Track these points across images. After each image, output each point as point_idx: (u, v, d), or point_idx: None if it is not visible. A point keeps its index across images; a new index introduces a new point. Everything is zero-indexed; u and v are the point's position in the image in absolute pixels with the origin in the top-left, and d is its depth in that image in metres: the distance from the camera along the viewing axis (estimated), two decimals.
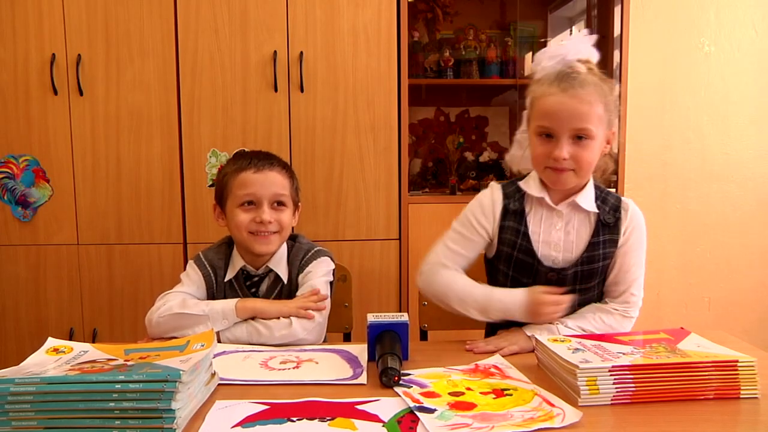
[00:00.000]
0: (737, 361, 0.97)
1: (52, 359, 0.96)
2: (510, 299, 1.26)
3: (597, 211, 1.30)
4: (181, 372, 0.84)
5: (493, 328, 1.36)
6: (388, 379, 1.01)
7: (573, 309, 1.31)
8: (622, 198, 1.34)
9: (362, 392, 1.00)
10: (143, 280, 2.21)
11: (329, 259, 1.46)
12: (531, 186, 1.32)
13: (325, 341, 1.35)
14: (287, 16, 2.17)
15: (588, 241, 1.29)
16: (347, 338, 1.62)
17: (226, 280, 1.43)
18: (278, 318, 1.28)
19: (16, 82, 2.14)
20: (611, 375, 0.95)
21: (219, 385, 1.03)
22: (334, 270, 1.47)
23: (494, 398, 0.96)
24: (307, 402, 0.95)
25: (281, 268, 1.43)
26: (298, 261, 1.44)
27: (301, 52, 2.17)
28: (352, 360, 1.16)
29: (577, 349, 1.03)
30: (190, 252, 2.21)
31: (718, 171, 2.83)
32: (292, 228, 1.47)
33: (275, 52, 2.16)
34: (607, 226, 1.30)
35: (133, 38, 2.15)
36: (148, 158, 2.19)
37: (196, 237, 2.21)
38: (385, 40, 2.20)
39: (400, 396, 0.97)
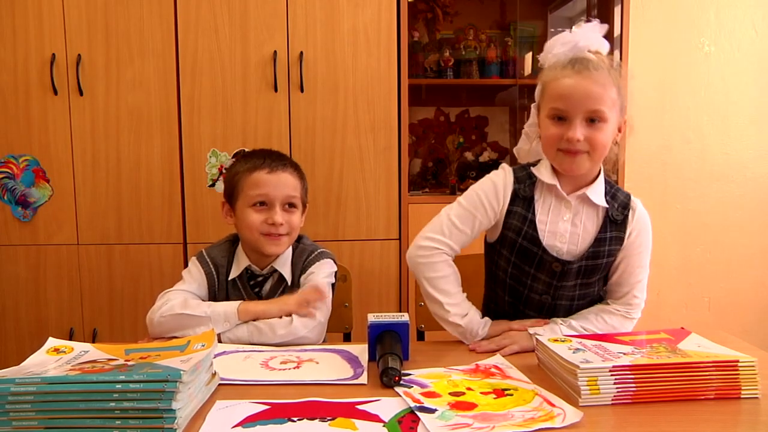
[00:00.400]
0: (738, 361, 0.97)
1: (52, 359, 0.96)
2: (481, 332, 1.28)
3: (606, 206, 1.29)
4: (181, 372, 0.84)
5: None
6: (388, 379, 1.01)
7: (572, 305, 1.31)
8: (632, 196, 1.32)
9: (363, 392, 1.00)
10: (143, 280, 2.21)
11: (332, 261, 1.47)
12: (543, 172, 1.29)
13: (325, 341, 1.35)
14: (287, 16, 2.17)
15: (595, 236, 1.28)
16: (347, 338, 1.62)
17: (230, 278, 1.43)
18: (280, 317, 1.28)
19: (16, 82, 2.14)
20: (612, 375, 0.94)
21: (219, 385, 1.03)
22: (336, 272, 1.47)
23: (495, 398, 0.96)
24: (307, 402, 0.95)
25: (286, 269, 1.43)
26: (302, 262, 1.44)
27: (301, 52, 2.17)
28: (352, 360, 1.16)
29: (577, 349, 1.03)
30: (190, 252, 2.20)
31: (718, 171, 2.84)
32: None
33: (275, 52, 2.16)
34: (615, 222, 1.29)
35: (133, 38, 2.15)
36: (148, 158, 2.19)
37: (196, 237, 2.21)
38: (385, 40, 2.20)
39: (400, 396, 0.97)
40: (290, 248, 1.46)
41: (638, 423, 0.89)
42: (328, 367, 1.13)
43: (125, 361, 0.94)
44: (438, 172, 2.64)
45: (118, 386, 0.82)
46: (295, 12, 2.17)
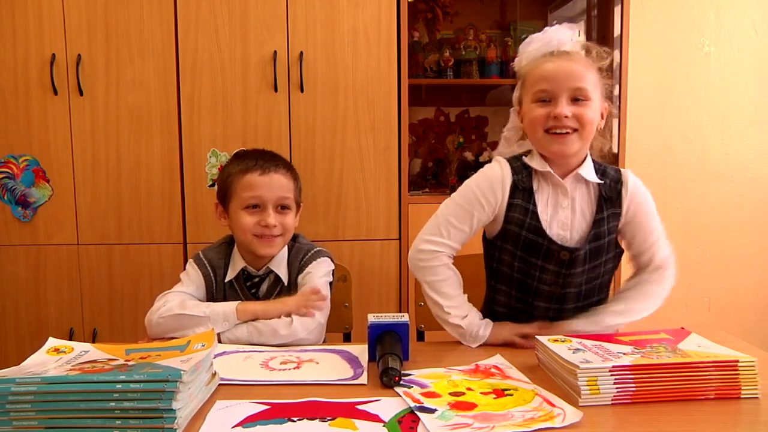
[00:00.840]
0: (738, 361, 0.97)
1: (52, 359, 0.96)
2: (482, 332, 1.28)
3: (599, 181, 1.29)
4: (181, 372, 0.84)
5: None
6: (388, 380, 1.01)
7: (581, 291, 1.31)
8: (622, 170, 1.33)
9: (363, 392, 1.00)
10: (143, 280, 2.21)
11: (329, 259, 1.46)
12: (535, 161, 1.29)
13: (325, 341, 1.35)
14: (287, 16, 2.17)
15: (593, 219, 1.29)
16: (347, 338, 1.62)
17: (226, 280, 1.43)
18: (279, 317, 1.28)
19: (16, 82, 2.14)
20: (612, 375, 0.95)
21: (220, 385, 1.03)
22: (333, 270, 1.47)
23: (495, 398, 0.96)
24: (307, 402, 0.95)
25: (282, 269, 1.43)
26: (298, 261, 1.43)
27: (301, 52, 2.17)
28: (352, 360, 1.16)
29: (577, 349, 1.03)
30: (190, 252, 2.20)
31: (718, 171, 2.84)
32: None
33: (275, 52, 2.16)
34: (609, 199, 1.29)
35: (133, 38, 2.15)
36: (148, 158, 2.19)
37: (196, 237, 2.21)
38: (385, 40, 2.20)
39: (400, 396, 0.97)
40: (286, 248, 1.45)
41: (638, 423, 0.89)
42: (328, 367, 1.13)
43: (125, 361, 0.94)
44: (438, 172, 2.64)
45: (119, 386, 0.82)
46: (295, 12, 2.17)
